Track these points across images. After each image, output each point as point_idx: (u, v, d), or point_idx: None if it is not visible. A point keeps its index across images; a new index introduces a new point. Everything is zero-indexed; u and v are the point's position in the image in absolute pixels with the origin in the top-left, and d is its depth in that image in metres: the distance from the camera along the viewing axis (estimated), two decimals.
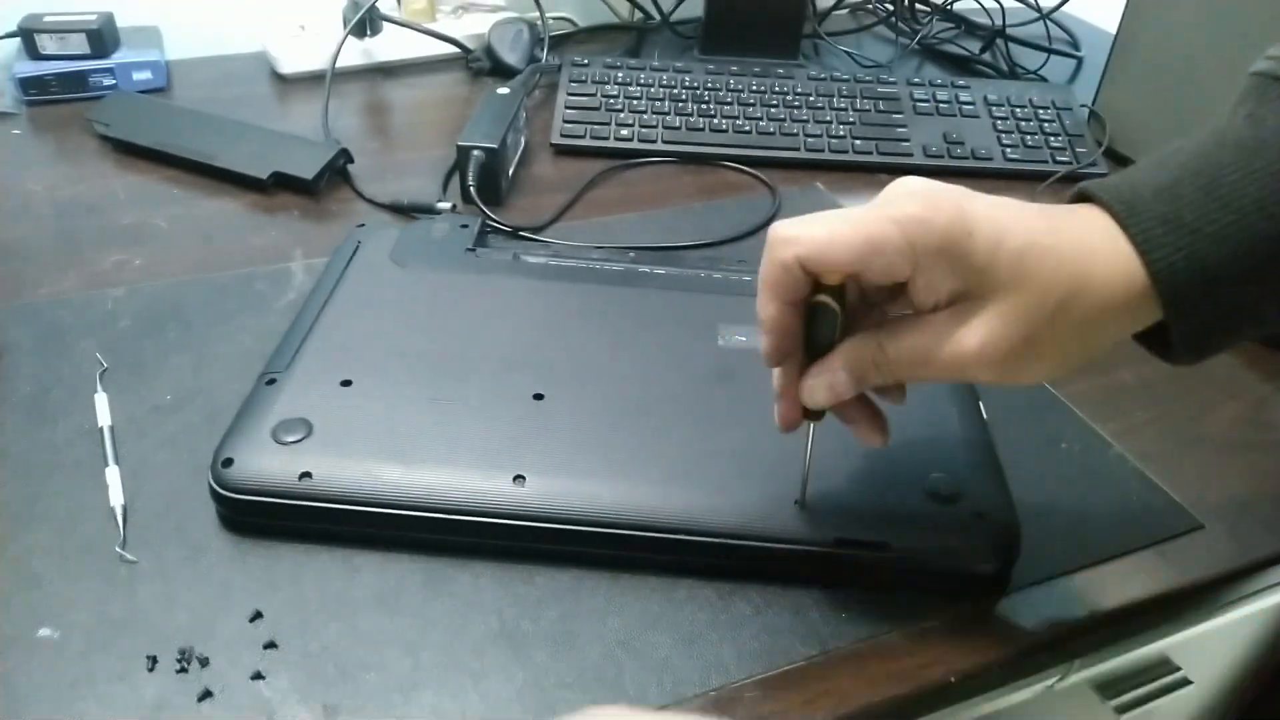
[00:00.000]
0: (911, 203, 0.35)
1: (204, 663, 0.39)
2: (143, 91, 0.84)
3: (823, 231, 0.36)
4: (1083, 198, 0.37)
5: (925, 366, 0.37)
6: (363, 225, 0.62)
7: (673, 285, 0.57)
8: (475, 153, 0.69)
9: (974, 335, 0.35)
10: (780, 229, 0.37)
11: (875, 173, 0.80)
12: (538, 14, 0.95)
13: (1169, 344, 0.36)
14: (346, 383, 0.48)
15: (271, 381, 0.48)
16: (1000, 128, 0.83)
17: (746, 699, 0.39)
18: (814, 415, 0.41)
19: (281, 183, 0.72)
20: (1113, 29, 0.84)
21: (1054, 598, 0.44)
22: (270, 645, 0.40)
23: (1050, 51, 1.03)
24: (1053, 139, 0.82)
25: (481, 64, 0.93)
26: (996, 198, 0.36)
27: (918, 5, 1.11)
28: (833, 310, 0.37)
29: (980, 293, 0.35)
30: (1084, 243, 0.35)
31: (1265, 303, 0.35)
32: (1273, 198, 0.34)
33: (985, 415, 0.50)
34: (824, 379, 0.38)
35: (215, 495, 0.44)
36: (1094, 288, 0.35)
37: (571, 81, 0.85)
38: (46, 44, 0.82)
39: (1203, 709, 0.73)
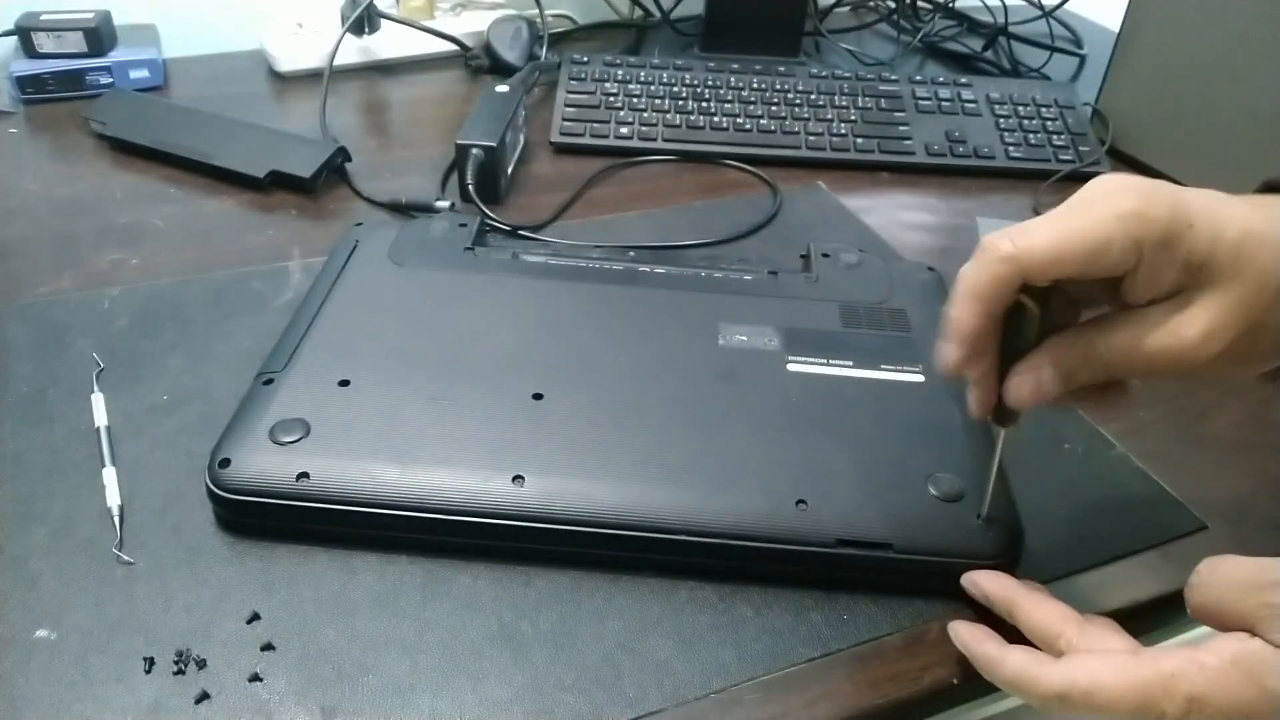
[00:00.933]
0: (1126, 198, 0.35)
1: (201, 664, 0.39)
2: (140, 90, 0.84)
3: (1046, 242, 0.35)
4: (1271, 188, 0.38)
5: (1140, 360, 0.36)
6: (360, 224, 0.62)
7: (673, 284, 0.57)
8: (474, 151, 0.69)
9: (1195, 325, 0.35)
10: (996, 241, 0.35)
11: (877, 171, 0.80)
12: (537, 11, 0.95)
13: None
14: (344, 383, 0.48)
15: (269, 381, 0.48)
16: (1003, 126, 0.83)
17: (747, 701, 0.39)
18: (1009, 418, 0.39)
19: (279, 181, 0.72)
20: (1116, 26, 0.83)
21: (1057, 598, 0.44)
22: (268, 647, 0.40)
23: (1053, 49, 1.03)
24: (1055, 137, 0.82)
25: (480, 62, 0.93)
26: (1203, 190, 0.36)
27: (920, 3, 1.11)
28: (1034, 313, 0.37)
29: (1200, 283, 0.35)
30: None
31: None
32: None
33: None
34: (1030, 377, 0.37)
35: (212, 496, 0.44)
36: None
37: (571, 79, 0.84)
38: (43, 42, 0.82)
39: None
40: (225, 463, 0.44)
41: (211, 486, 0.44)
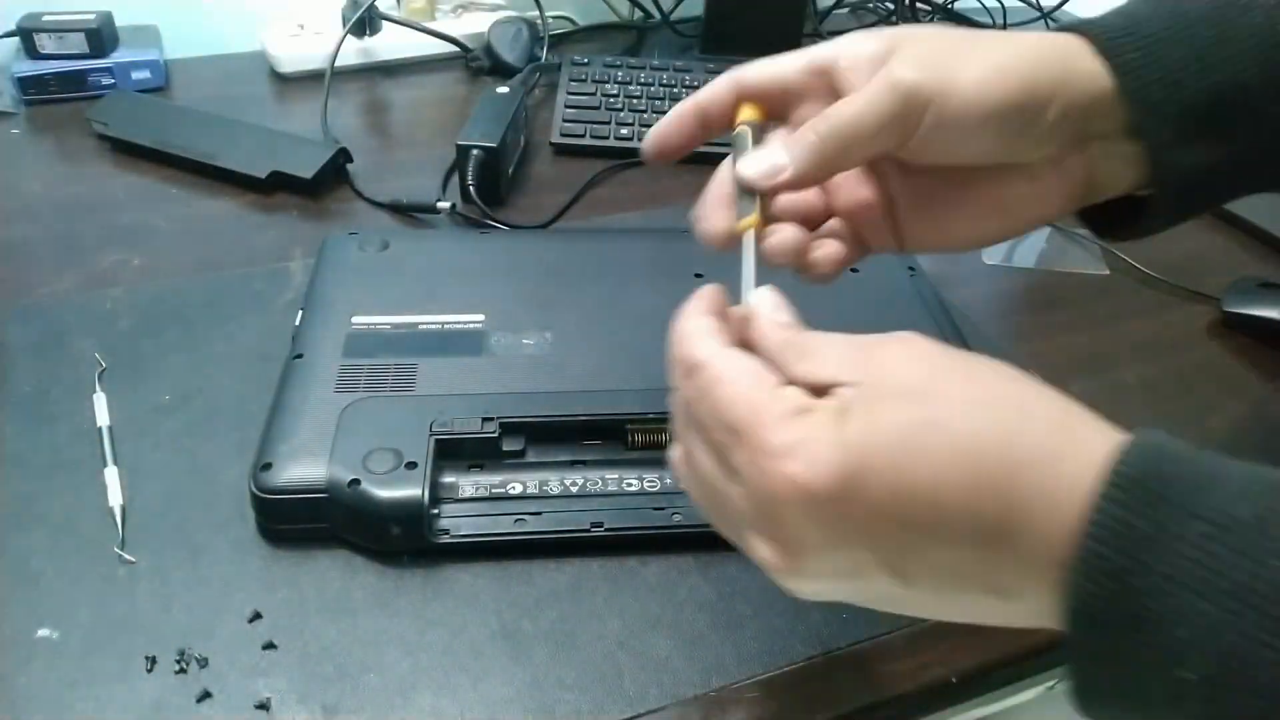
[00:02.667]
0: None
1: (203, 663, 0.39)
2: (141, 91, 0.84)
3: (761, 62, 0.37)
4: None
5: (855, 124, 0.34)
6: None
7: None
8: (475, 152, 0.69)
9: (898, 69, 0.34)
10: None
11: None
12: (537, 13, 0.95)
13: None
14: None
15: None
16: None
17: (747, 699, 0.39)
18: (749, 214, 0.36)
19: (280, 182, 0.72)
20: None
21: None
22: (269, 646, 0.40)
23: None
24: None
25: (481, 63, 0.93)
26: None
27: (918, 4, 1.11)
28: (751, 133, 0.37)
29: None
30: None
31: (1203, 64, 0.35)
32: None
33: None
34: (759, 152, 0.36)
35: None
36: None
37: (571, 80, 0.84)
38: (45, 43, 0.82)
39: None
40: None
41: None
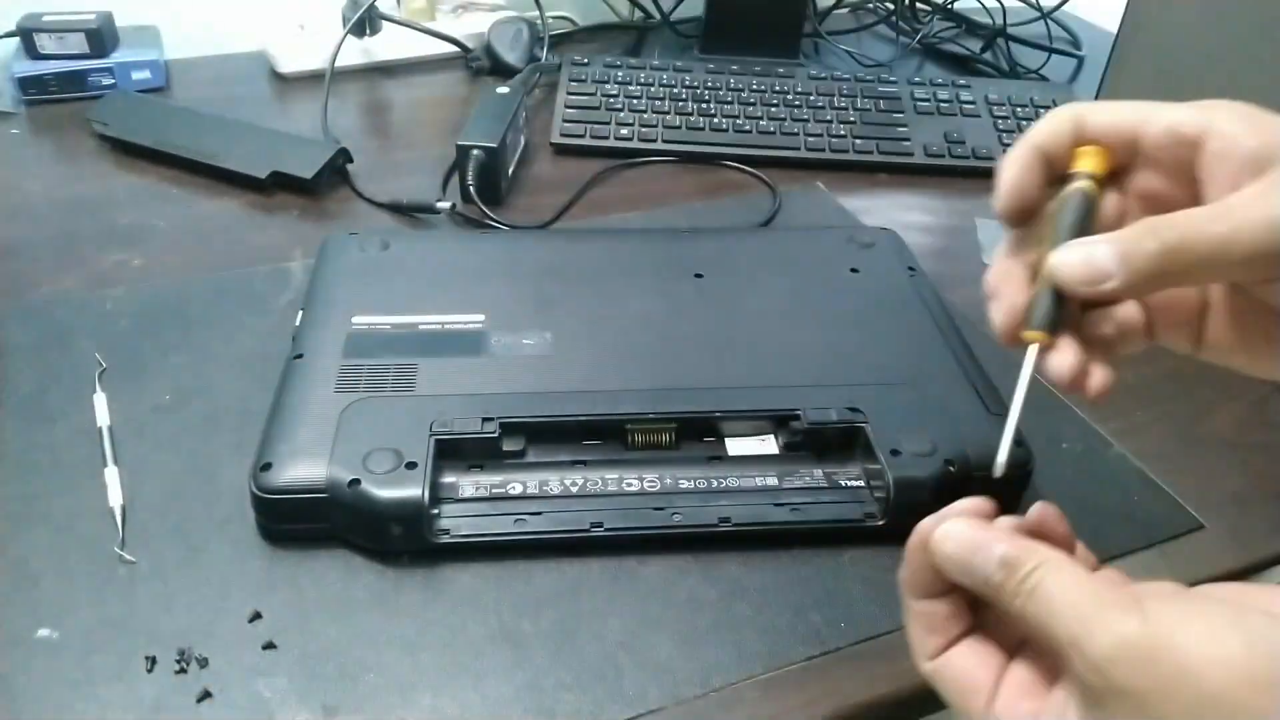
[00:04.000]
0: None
1: (203, 663, 0.39)
2: (142, 91, 0.84)
3: (1110, 105, 0.32)
4: None
5: (1218, 249, 0.28)
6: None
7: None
8: (475, 152, 0.69)
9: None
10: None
11: (875, 172, 0.80)
12: (537, 13, 0.95)
13: None
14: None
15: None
16: (1001, 127, 0.83)
17: (747, 699, 0.39)
18: (1045, 321, 0.31)
19: (281, 182, 0.72)
20: (1114, 28, 0.83)
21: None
22: (269, 646, 0.40)
23: (1051, 51, 1.03)
24: None
25: (481, 63, 0.93)
26: None
27: (918, 4, 1.11)
28: (1093, 195, 0.32)
29: None
30: None
31: None
32: None
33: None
34: (1080, 249, 0.30)
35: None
36: None
37: (571, 81, 0.84)
38: (45, 43, 0.82)
39: None
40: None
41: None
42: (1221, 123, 0.31)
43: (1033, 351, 0.32)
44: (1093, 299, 0.31)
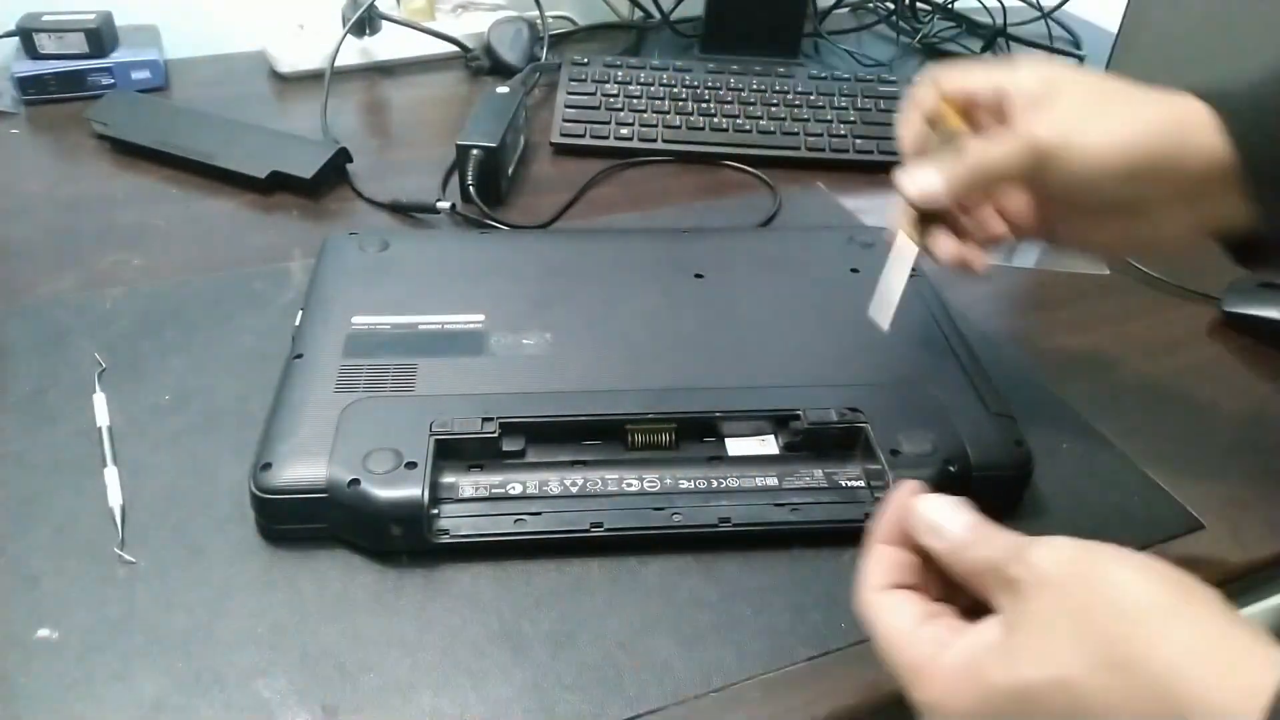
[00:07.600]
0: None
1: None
2: (141, 91, 0.84)
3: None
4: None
5: (994, 168, 0.42)
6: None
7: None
8: (474, 152, 0.69)
9: (1036, 127, 0.41)
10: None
11: (875, 172, 0.80)
12: (537, 13, 0.95)
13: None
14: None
15: None
16: None
17: (747, 699, 0.39)
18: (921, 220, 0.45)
19: (280, 182, 0.72)
20: (1114, 28, 0.83)
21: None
22: (269, 646, 0.40)
23: (1052, 50, 1.03)
24: None
25: (481, 63, 0.93)
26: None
27: (919, 4, 1.11)
28: (944, 134, 0.45)
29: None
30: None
31: None
32: None
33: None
34: (916, 175, 0.44)
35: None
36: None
37: (571, 80, 0.84)
38: (45, 43, 0.82)
39: None
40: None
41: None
42: (1020, 74, 0.43)
43: (901, 236, 0.46)
44: (928, 205, 0.45)
